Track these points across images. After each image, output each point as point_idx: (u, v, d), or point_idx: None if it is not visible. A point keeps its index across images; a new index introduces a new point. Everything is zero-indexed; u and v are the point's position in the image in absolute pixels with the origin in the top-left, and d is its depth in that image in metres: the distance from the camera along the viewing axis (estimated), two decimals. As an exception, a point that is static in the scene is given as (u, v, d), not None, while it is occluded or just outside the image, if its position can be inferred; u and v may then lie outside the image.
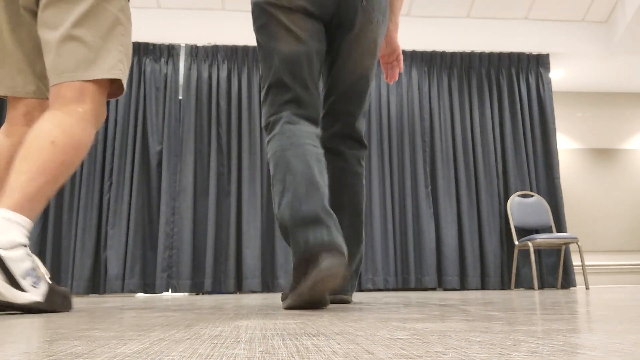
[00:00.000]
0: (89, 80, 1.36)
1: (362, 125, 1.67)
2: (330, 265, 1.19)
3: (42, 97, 1.50)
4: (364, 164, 1.66)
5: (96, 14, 1.37)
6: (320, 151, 1.42)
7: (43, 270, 1.35)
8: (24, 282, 1.18)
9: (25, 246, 1.21)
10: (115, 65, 1.39)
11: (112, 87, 1.47)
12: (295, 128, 1.43)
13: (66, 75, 1.34)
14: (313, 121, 1.50)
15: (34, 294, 1.20)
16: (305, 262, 1.24)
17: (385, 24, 1.61)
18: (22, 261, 1.18)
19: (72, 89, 1.34)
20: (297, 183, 1.32)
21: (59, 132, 1.27)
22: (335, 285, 1.23)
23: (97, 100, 1.38)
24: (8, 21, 1.43)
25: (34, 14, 1.44)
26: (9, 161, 1.43)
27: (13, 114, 1.48)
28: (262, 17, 1.51)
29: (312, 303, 1.27)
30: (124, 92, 1.50)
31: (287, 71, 1.47)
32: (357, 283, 1.70)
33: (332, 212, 1.32)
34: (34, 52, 1.47)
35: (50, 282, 1.30)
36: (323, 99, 1.63)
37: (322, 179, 1.35)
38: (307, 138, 1.41)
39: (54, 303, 1.27)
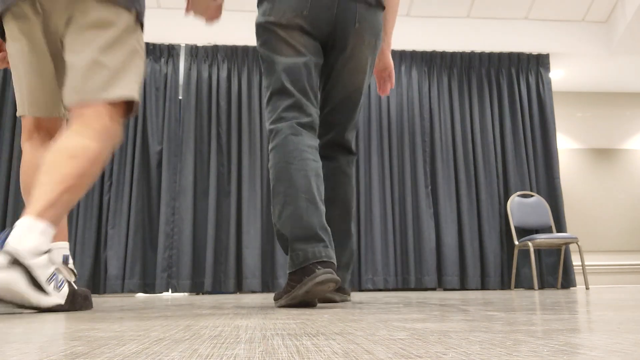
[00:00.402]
0: (108, 102, 1.48)
1: (351, 135, 1.80)
2: (324, 277, 1.37)
3: (60, 116, 1.65)
4: (353, 168, 1.81)
5: (118, 44, 1.51)
6: (319, 165, 1.56)
7: (66, 272, 1.47)
8: (49, 287, 1.28)
9: (48, 251, 1.29)
10: (133, 88, 1.53)
11: (126, 108, 1.58)
12: (297, 140, 1.54)
13: (89, 96, 1.46)
14: (313, 131, 1.62)
15: (57, 297, 1.31)
16: (302, 271, 1.40)
17: (379, 44, 1.74)
18: (47, 267, 1.27)
19: (93, 108, 1.46)
20: (299, 198, 1.47)
21: (78, 148, 1.39)
22: (326, 293, 1.42)
23: (114, 120, 1.50)
24: (48, 50, 1.56)
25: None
26: None
27: (34, 131, 1.61)
28: (264, 34, 1.66)
29: (303, 305, 1.44)
30: (137, 112, 1.68)
31: (288, 79, 1.61)
32: (350, 276, 1.82)
33: (328, 228, 1.49)
34: (64, 77, 1.61)
35: (73, 283, 1.41)
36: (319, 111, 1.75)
37: (320, 195, 1.51)
38: (308, 153, 1.54)
39: (75, 304, 1.38)
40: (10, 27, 1.55)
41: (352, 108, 1.75)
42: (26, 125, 1.63)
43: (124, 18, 1.54)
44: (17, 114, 1.64)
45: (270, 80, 1.64)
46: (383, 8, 1.75)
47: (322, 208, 1.50)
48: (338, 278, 1.41)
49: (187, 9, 1.72)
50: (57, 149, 1.37)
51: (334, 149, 1.78)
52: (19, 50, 1.55)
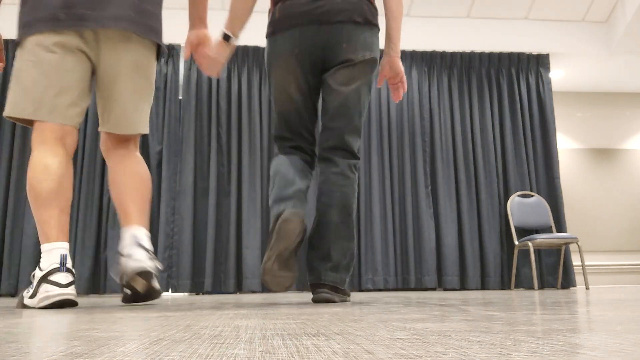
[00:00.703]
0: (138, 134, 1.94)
1: (353, 140, 1.88)
2: (288, 214, 1.65)
3: (75, 127, 1.81)
4: (356, 172, 1.88)
5: (150, 85, 1.90)
6: (304, 165, 1.89)
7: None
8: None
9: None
10: (147, 122, 1.95)
11: None
12: (288, 155, 1.91)
13: (130, 131, 1.86)
14: (303, 151, 1.95)
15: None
16: (275, 220, 1.69)
17: (373, 55, 1.87)
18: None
19: (130, 139, 1.91)
20: (280, 180, 1.80)
21: (147, 175, 1.89)
22: (295, 227, 1.64)
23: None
24: (75, 67, 1.76)
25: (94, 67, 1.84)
26: (67, 178, 1.73)
27: (49, 135, 1.72)
28: (269, 77, 1.94)
29: (280, 253, 1.62)
30: None
31: (284, 127, 1.94)
32: (348, 278, 1.84)
33: (302, 197, 1.78)
34: (85, 91, 1.82)
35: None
36: (321, 118, 1.94)
37: (300, 180, 1.81)
38: (296, 159, 1.88)
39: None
40: (46, 39, 1.70)
41: (348, 112, 1.85)
42: (42, 129, 1.70)
43: (152, 56, 1.89)
44: (31, 117, 1.70)
45: (274, 122, 1.98)
46: (374, 26, 1.88)
47: (299, 186, 1.80)
48: (303, 212, 1.69)
49: (188, 56, 1.96)
50: (140, 171, 1.86)
51: (336, 153, 1.86)
52: (50, 61, 1.70)
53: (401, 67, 2.01)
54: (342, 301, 1.81)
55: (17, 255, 4.12)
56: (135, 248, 1.69)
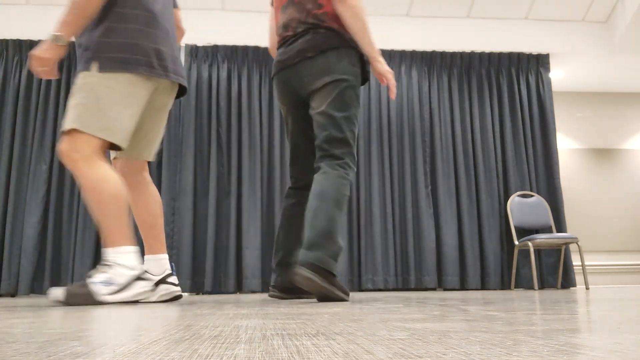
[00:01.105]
0: None
1: (334, 148, 2.07)
2: (271, 295, 2.31)
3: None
4: (339, 168, 2.05)
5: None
6: (293, 210, 2.28)
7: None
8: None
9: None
10: None
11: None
12: (290, 197, 2.31)
13: (151, 158, 2.24)
14: (302, 189, 2.30)
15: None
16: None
17: (333, 77, 2.06)
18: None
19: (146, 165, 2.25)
20: (277, 238, 2.31)
21: (159, 196, 2.30)
22: (279, 298, 2.28)
23: None
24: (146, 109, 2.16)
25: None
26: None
27: (102, 153, 1.97)
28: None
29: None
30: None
31: (291, 167, 2.32)
32: (333, 260, 1.86)
33: (288, 259, 2.26)
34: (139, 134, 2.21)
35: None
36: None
37: (293, 233, 2.27)
38: (292, 208, 2.28)
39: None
40: (137, 79, 1.99)
41: (324, 128, 2.07)
42: (97, 146, 1.92)
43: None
44: (100, 137, 1.92)
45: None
46: (331, 49, 2.06)
47: (282, 245, 2.26)
48: (273, 293, 2.27)
49: None
50: (159, 202, 2.22)
51: (321, 160, 2.09)
52: (136, 98, 2.00)
53: (381, 68, 2.13)
54: (331, 284, 1.81)
55: (17, 255, 4.12)
56: (174, 276, 2.18)
